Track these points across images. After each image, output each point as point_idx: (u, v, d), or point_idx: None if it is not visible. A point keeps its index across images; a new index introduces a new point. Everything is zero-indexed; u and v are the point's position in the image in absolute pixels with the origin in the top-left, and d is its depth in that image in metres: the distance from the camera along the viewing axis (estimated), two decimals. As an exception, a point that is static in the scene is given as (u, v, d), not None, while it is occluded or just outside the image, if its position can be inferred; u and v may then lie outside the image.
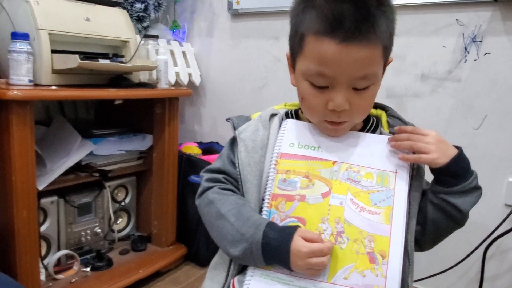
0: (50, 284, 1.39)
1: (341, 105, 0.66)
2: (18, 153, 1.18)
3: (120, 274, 1.50)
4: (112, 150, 1.58)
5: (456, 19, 1.39)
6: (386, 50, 0.69)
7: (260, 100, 1.85)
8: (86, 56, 1.34)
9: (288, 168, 0.71)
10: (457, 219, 0.71)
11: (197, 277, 1.65)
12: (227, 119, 0.83)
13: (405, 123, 0.79)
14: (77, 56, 1.24)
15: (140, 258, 1.63)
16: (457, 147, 0.71)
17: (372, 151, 0.72)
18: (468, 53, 1.38)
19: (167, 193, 1.69)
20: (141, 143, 1.68)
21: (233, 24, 1.89)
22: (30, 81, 1.24)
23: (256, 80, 1.85)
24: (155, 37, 1.74)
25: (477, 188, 0.71)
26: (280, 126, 0.77)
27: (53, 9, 1.32)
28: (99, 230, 1.60)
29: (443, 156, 0.68)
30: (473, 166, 0.71)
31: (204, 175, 0.80)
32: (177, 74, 1.86)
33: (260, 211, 0.71)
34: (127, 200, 1.73)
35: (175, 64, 1.86)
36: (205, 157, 1.76)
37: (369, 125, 0.78)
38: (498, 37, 1.33)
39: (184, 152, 1.78)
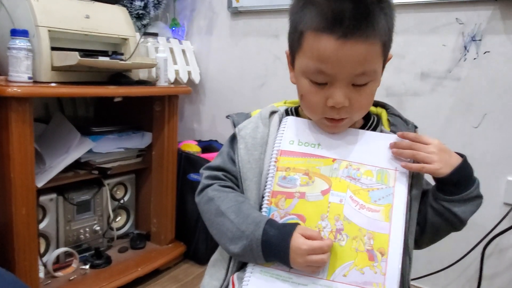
0: (49, 281, 1.39)
1: (340, 101, 0.66)
2: (17, 150, 1.18)
3: (119, 272, 1.50)
4: (111, 147, 1.58)
5: (456, 18, 1.39)
6: (385, 46, 0.69)
7: (259, 99, 1.85)
8: (85, 53, 1.34)
9: (288, 166, 0.71)
10: (456, 225, 0.72)
11: (196, 275, 1.65)
12: (227, 116, 0.83)
13: (405, 121, 0.79)
14: (76, 53, 1.24)
15: (139, 256, 1.63)
16: (461, 155, 0.71)
17: (372, 148, 0.72)
18: (468, 52, 1.38)
19: (166, 191, 1.69)
20: (140, 141, 1.68)
21: (233, 22, 1.89)
22: (29, 78, 1.23)
23: (255, 79, 1.85)
24: (155, 34, 1.74)
25: (479, 197, 0.71)
26: (280, 123, 0.77)
27: (53, 6, 1.32)
28: (98, 228, 1.60)
29: (445, 166, 0.68)
30: (472, 165, 0.71)
31: (204, 172, 0.80)
32: (177, 72, 1.85)
33: (260, 208, 0.71)
34: (126, 198, 1.73)
35: (175, 62, 1.86)
36: (204, 155, 1.76)
37: (370, 123, 0.78)
38: (498, 36, 1.33)
39: (183, 150, 1.78)
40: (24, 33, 1.22)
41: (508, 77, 1.33)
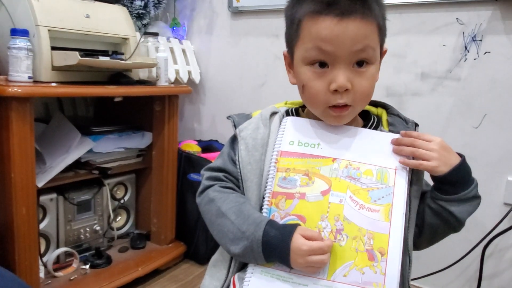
0: (49, 281, 1.39)
1: (343, 83, 0.66)
2: (17, 150, 1.18)
3: (119, 272, 1.50)
4: (111, 147, 1.58)
5: (456, 18, 1.39)
6: (381, 31, 0.70)
7: (260, 98, 1.85)
8: (86, 53, 1.34)
9: (288, 166, 0.71)
10: (454, 226, 0.72)
11: (196, 275, 1.65)
12: (228, 117, 0.83)
13: (405, 120, 0.79)
14: (77, 53, 1.24)
15: (139, 255, 1.63)
16: (460, 155, 0.71)
17: (372, 147, 0.72)
18: (468, 52, 1.38)
19: (167, 191, 1.69)
20: (141, 140, 1.68)
21: (233, 22, 1.89)
22: (29, 77, 1.23)
23: (256, 78, 1.85)
24: (155, 34, 1.74)
25: (476, 197, 0.71)
26: (280, 124, 0.77)
27: (53, 6, 1.32)
28: (98, 228, 1.60)
29: (444, 164, 0.68)
30: (472, 165, 0.71)
31: (205, 173, 0.80)
32: (177, 72, 1.85)
33: (261, 209, 0.71)
34: (126, 198, 1.73)
35: (175, 62, 1.86)
36: (205, 155, 1.76)
37: (370, 123, 0.78)
38: (498, 36, 1.33)
39: (184, 150, 1.78)
40: (24, 33, 1.22)
41: (508, 77, 1.33)
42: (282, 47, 0.79)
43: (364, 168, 0.70)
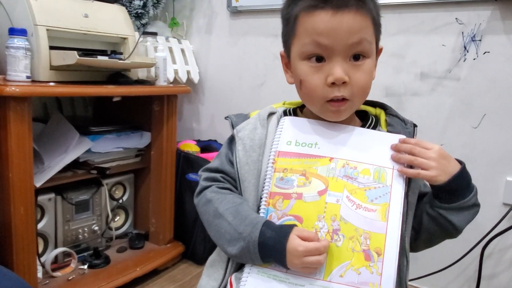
0: (47, 281, 1.38)
1: (340, 75, 0.66)
2: (15, 149, 1.18)
3: (118, 272, 1.50)
4: (110, 147, 1.58)
5: (456, 18, 1.38)
6: (376, 26, 0.71)
7: (259, 98, 1.85)
8: (84, 52, 1.33)
9: (286, 167, 0.70)
10: (451, 233, 0.72)
11: (194, 275, 1.65)
12: (226, 117, 0.83)
13: (403, 120, 0.78)
14: (75, 52, 1.24)
15: (138, 256, 1.63)
16: (460, 162, 0.70)
17: (370, 146, 0.72)
18: (468, 52, 1.38)
19: (165, 191, 1.69)
20: (139, 140, 1.68)
21: (232, 22, 1.89)
22: (27, 77, 1.23)
23: (255, 78, 1.85)
24: (154, 34, 1.74)
25: (475, 205, 0.70)
26: (278, 124, 0.77)
27: (52, 5, 1.32)
28: (96, 228, 1.59)
29: (443, 173, 0.67)
30: (472, 165, 0.71)
31: (202, 174, 0.80)
32: (176, 72, 1.85)
33: (258, 209, 0.71)
34: (124, 198, 1.72)
35: (174, 62, 1.86)
36: (203, 155, 1.75)
37: (368, 123, 0.78)
38: (498, 36, 1.33)
39: (182, 150, 1.77)
40: (22, 32, 1.22)
41: (507, 77, 1.32)
42: (281, 46, 0.79)
43: (362, 167, 0.69)
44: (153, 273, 1.61)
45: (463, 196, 0.69)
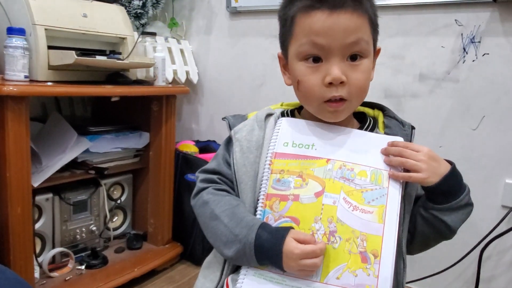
0: (44, 281, 1.38)
1: (337, 75, 0.66)
2: (13, 149, 1.17)
3: (115, 273, 1.49)
4: (108, 147, 1.58)
5: (455, 20, 1.38)
6: (373, 26, 0.71)
7: (258, 99, 1.85)
8: (83, 52, 1.33)
9: (282, 168, 0.70)
10: (446, 234, 0.71)
11: (192, 276, 1.65)
12: (223, 118, 0.83)
13: (401, 122, 0.78)
14: (73, 52, 1.23)
15: (136, 256, 1.63)
16: (450, 162, 0.70)
17: (367, 148, 0.71)
18: (467, 53, 1.38)
19: (164, 191, 1.68)
20: (138, 140, 1.67)
21: (232, 22, 1.88)
22: (25, 77, 1.23)
23: (254, 79, 1.85)
24: (153, 34, 1.73)
25: (468, 205, 0.70)
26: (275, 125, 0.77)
27: (50, 5, 1.31)
28: (94, 228, 1.59)
29: (433, 175, 0.67)
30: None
31: (199, 175, 0.80)
32: (175, 72, 1.85)
33: (255, 211, 0.71)
34: (123, 198, 1.72)
35: (173, 62, 1.86)
36: (202, 156, 1.75)
37: (366, 125, 0.78)
38: (497, 38, 1.32)
39: (181, 150, 1.77)
40: (20, 32, 1.22)
41: (507, 79, 1.32)
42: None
43: (358, 169, 0.69)
44: (151, 274, 1.61)
45: (456, 196, 0.69)
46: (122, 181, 1.71)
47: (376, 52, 0.75)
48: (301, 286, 0.64)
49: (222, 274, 0.73)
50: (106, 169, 1.55)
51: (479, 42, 1.35)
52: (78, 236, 1.54)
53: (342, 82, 0.67)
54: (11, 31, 1.21)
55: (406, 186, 0.71)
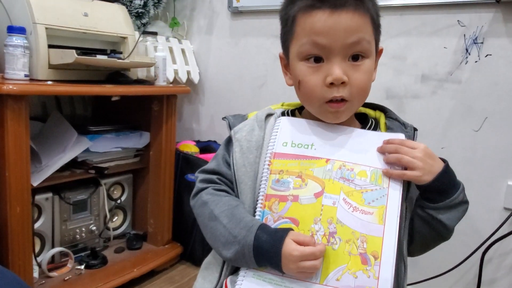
0: (43, 281, 1.38)
1: (339, 75, 0.65)
2: (12, 148, 1.17)
3: (115, 273, 1.49)
4: (108, 147, 1.57)
5: (458, 20, 1.37)
6: (375, 26, 0.70)
7: (259, 99, 1.84)
8: (83, 51, 1.33)
9: (282, 168, 0.69)
10: (443, 233, 0.71)
11: (192, 276, 1.64)
12: (224, 118, 0.82)
13: (403, 124, 0.78)
14: (73, 51, 1.23)
15: (135, 256, 1.62)
16: (443, 160, 0.70)
17: (367, 147, 0.71)
18: (469, 54, 1.37)
19: (164, 191, 1.68)
20: (138, 140, 1.67)
21: (233, 22, 1.88)
22: (26, 75, 1.23)
23: (255, 79, 1.84)
24: (154, 33, 1.73)
25: (464, 203, 0.69)
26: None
27: (51, 4, 1.31)
28: (94, 228, 1.59)
29: (428, 173, 0.67)
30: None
31: (199, 175, 0.79)
32: (176, 72, 1.84)
33: (255, 212, 0.70)
34: (123, 198, 1.71)
35: (174, 62, 1.85)
36: (203, 156, 1.74)
37: (368, 126, 0.77)
38: (500, 39, 1.31)
39: (181, 150, 1.77)
40: (21, 30, 1.22)
41: (509, 80, 1.31)
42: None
43: (358, 169, 0.68)
44: (151, 274, 1.60)
45: (450, 194, 0.68)
46: (122, 181, 1.70)
47: (379, 52, 0.74)
48: (300, 287, 0.63)
49: (221, 275, 0.72)
50: (106, 168, 1.54)
51: (482, 43, 1.34)
52: (77, 236, 1.54)
53: (343, 83, 0.66)
54: (11, 29, 1.21)
55: (409, 189, 0.70)
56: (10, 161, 1.17)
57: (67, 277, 1.42)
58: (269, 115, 0.78)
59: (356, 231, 0.64)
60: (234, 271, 0.72)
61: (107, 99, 1.50)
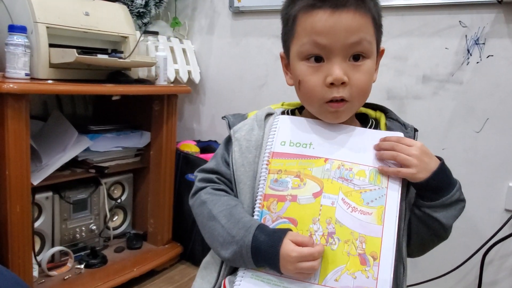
0: (43, 280, 1.38)
1: (339, 75, 0.65)
2: (12, 147, 1.17)
3: (115, 272, 1.48)
4: (109, 146, 1.57)
5: (459, 21, 1.37)
6: (377, 26, 0.70)
7: (259, 99, 1.84)
8: (84, 51, 1.33)
9: (280, 168, 0.69)
10: (440, 232, 0.70)
11: (191, 276, 1.64)
12: (223, 117, 0.82)
13: (404, 124, 0.77)
14: (74, 50, 1.23)
15: (135, 256, 1.62)
16: (439, 158, 0.69)
17: (366, 146, 0.70)
18: (471, 55, 1.36)
19: (164, 191, 1.68)
20: (139, 140, 1.67)
21: (234, 22, 1.88)
22: (26, 74, 1.23)
23: (256, 79, 1.84)
24: (155, 33, 1.73)
25: (460, 201, 0.69)
26: None
27: (52, 3, 1.31)
28: (94, 227, 1.59)
29: (423, 170, 0.66)
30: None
31: (198, 175, 0.79)
32: (177, 72, 1.84)
33: (253, 211, 0.70)
34: (123, 198, 1.71)
35: (175, 61, 1.85)
36: (203, 156, 1.74)
37: (368, 126, 0.77)
38: (502, 40, 1.31)
39: (182, 150, 1.77)
40: (22, 29, 1.22)
41: (511, 81, 1.30)
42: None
43: (357, 169, 0.68)
44: (151, 274, 1.60)
45: (446, 193, 0.67)
46: (122, 181, 1.70)
47: (380, 53, 0.74)
48: None
49: (219, 275, 0.72)
50: (107, 168, 1.54)
51: (484, 43, 1.34)
52: (77, 235, 1.54)
53: (343, 83, 0.66)
54: (12, 28, 1.21)
55: (408, 189, 0.70)
56: (10, 160, 1.17)
57: (67, 276, 1.42)
58: (269, 115, 0.78)
59: (355, 232, 0.64)
60: (233, 271, 0.71)
61: (108, 98, 1.50)
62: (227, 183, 0.76)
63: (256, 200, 0.70)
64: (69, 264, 1.47)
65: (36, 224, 1.40)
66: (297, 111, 0.81)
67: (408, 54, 1.47)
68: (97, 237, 1.61)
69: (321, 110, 0.70)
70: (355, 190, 0.66)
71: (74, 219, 1.52)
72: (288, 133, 0.72)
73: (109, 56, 1.39)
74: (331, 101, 0.68)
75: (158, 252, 1.66)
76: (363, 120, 0.79)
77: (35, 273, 1.35)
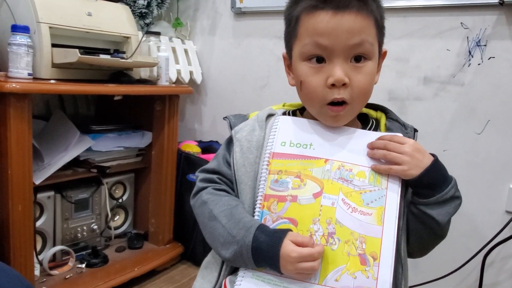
0: (44, 279, 1.38)
1: (340, 76, 0.65)
2: (15, 146, 1.17)
3: (116, 272, 1.49)
4: (111, 146, 1.58)
5: (461, 23, 1.37)
6: (379, 28, 0.70)
7: (261, 100, 1.84)
8: (86, 51, 1.33)
9: (280, 168, 0.69)
10: (435, 230, 0.70)
11: (192, 276, 1.64)
12: (225, 118, 0.82)
13: (403, 125, 0.77)
14: (77, 50, 1.23)
15: (136, 256, 1.62)
16: (433, 155, 0.69)
17: (366, 148, 0.70)
18: (472, 57, 1.36)
19: (165, 191, 1.68)
20: (140, 140, 1.67)
21: (236, 23, 1.88)
22: (29, 74, 1.23)
23: (258, 80, 1.84)
24: (157, 33, 1.74)
25: (455, 198, 0.68)
26: None
27: (55, 3, 1.32)
28: (95, 227, 1.59)
29: (415, 167, 0.66)
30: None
31: (199, 175, 0.79)
32: (178, 72, 1.85)
33: (254, 212, 0.70)
34: (124, 197, 1.72)
35: (177, 62, 1.86)
36: (204, 156, 1.75)
37: (368, 127, 0.77)
38: (503, 42, 1.31)
39: (183, 150, 1.77)
40: (25, 29, 1.22)
41: (512, 83, 1.31)
42: (284, 48, 0.78)
43: (357, 169, 0.68)
44: (151, 274, 1.61)
45: (441, 189, 0.67)
46: (124, 180, 1.71)
47: (382, 54, 0.74)
48: None
49: (219, 275, 0.73)
50: (108, 168, 1.55)
51: (485, 45, 1.34)
52: (79, 235, 1.54)
53: (344, 84, 0.66)
54: (15, 28, 1.21)
55: (407, 190, 0.70)
56: (12, 159, 1.18)
57: (68, 276, 1.42)
58: (270, 115, 0.78)
59: (355, 232, 0.64)
60: (233, 271, 0.72)
61: (110, 98, 1.51)
62: (228, 183, 0.76)
63: (256, 201, 0.70)
64: (71, 264, 1.47)
65: (38, 223, 1.40)
66: (298, 112, 0.81)
67: (410, 55, 1.47)
68: (99, 237, 1.62)
69: (321, 112, 0.70)
70: (355, 191, 0.67)
71: (76, 219, 1.53)
72: (289, 133, 0.72)
73: (111, 56, 1.39)
74: (332, 103, 0.68)
75: (159, 252, 1.67)
76: (363, 120, 0.79)
77: (37, 272, 1.36)
